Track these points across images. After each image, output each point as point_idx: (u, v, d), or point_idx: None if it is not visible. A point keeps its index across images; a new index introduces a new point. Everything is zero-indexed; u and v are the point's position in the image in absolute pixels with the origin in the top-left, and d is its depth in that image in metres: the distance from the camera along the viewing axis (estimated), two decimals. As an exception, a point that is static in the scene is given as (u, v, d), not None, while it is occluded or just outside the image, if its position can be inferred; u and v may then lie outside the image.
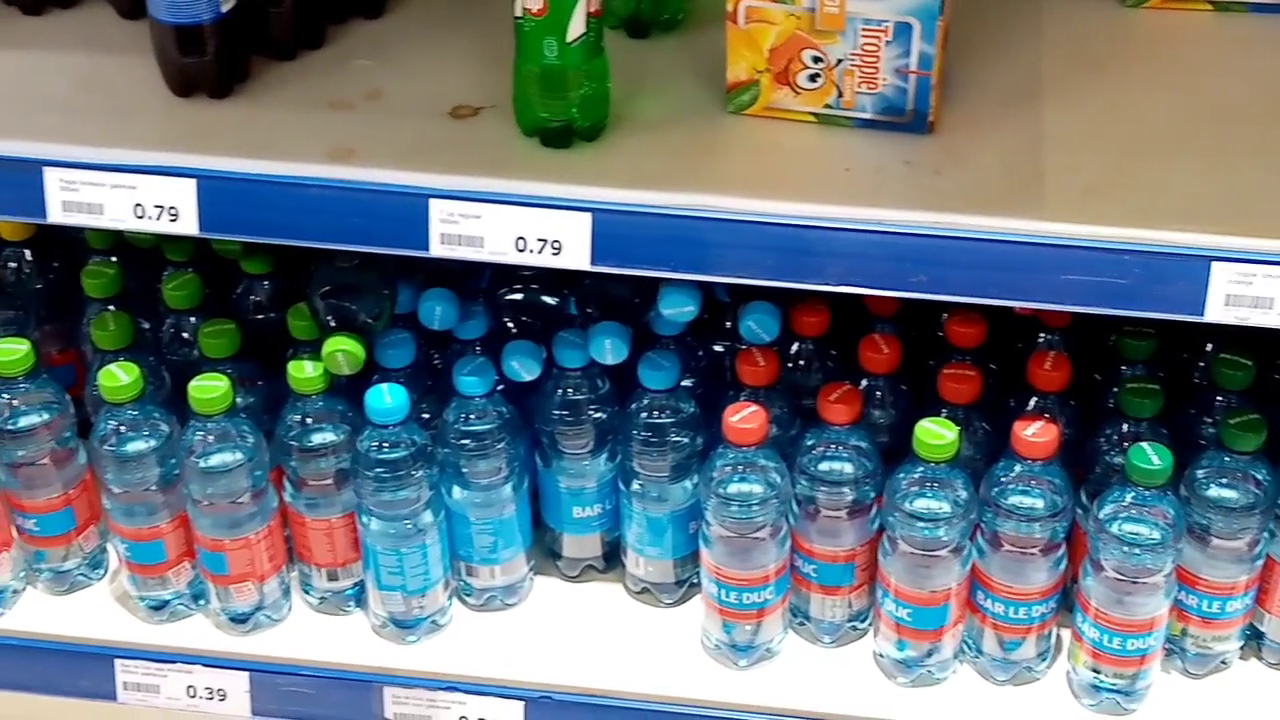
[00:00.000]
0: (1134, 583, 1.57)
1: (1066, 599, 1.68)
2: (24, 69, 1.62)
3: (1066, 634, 1.69)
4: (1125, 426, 1.65)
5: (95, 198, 1.47)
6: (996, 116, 1.53)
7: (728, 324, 1.78)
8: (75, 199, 1.47)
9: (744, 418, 1.60)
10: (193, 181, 1.46)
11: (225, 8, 1.51)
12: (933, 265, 1.37)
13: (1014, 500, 1.59)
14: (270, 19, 1.60)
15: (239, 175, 1.45)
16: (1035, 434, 1.57)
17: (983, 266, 1.36)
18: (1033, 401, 1.68)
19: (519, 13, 1.42)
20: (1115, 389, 1.68)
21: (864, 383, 1.71)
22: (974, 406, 1.67)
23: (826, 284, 1.40)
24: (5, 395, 1.70)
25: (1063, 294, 1.37)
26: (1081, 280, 1.36)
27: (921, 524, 1.59)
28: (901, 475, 1.60)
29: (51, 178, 1.47)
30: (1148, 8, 1.71)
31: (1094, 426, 1.69)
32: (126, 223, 1.47)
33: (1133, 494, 1.56)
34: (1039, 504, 1.59)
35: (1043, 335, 1.75)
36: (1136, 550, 1.55)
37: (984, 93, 1.56)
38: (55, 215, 1.48)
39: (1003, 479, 1.60)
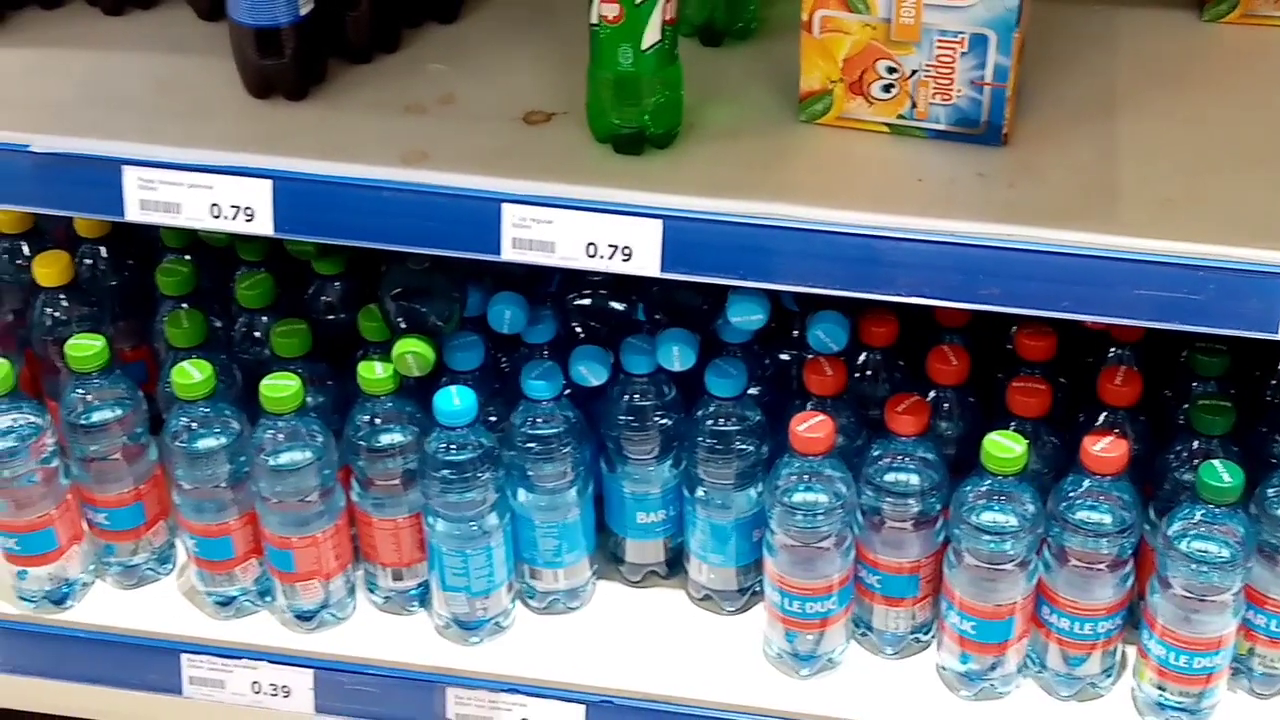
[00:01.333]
0: (1202, 600, 1.56)
1: (1133, 615, 1.67)
2: (104, 69, 1.64)
3: (1132, 651, 1.68)
4: (1196, 443, 1.64)
5: (173, 197, 1.49)
6: (1071, 129, 1.52)
7: (795, 332, 1.78)
8: (153, 198, 1.49)
9: (811, 427, 1.59)
10: (268, 182, 1.47)
11: (303, 11, 1.53)
12: (1005, 278, 1.36)
13: (1082, 515, 1.58)
14: (347, 22, 1.61)
15: (314, 177, 1.47)
16: (1105, 449, 1.56)
17: (1055, 280, 1.36)
18: (1102, 416, 1.67)
19: (594, 19, 1.43)
20: (1186, 405, 1.67)
21: (932, 394, 1.70)
22: (1043, 420, 1.66)
23: (897, 295, 1.40)
24: (80, 390, 1.72)
25: (1135, 309, 1.36)
26: (1154, 295, 1.35)
27: (988, 537, 1.58)
28: (968, 488, 1.59)
29: (130, 177, 1.49)
30: (1225, 22, 1.69)
31: (1164, 442, 1.68)
32: (203, 222, 1.49)
33: (1202, 511, 1.55)
34: (1107, 519, 1.58)
35: (1113, 349, 1.74)
36: (1205, 568, 1.54)
37: (1058, 105, 1.55)
38: (133, 214, 1.50)
39: (1071, 493, 1.59)
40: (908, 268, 1.38)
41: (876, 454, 1.65)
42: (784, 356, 1.81)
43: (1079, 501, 1.58)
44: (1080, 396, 1.72)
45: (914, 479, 1.63)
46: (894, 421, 1.62)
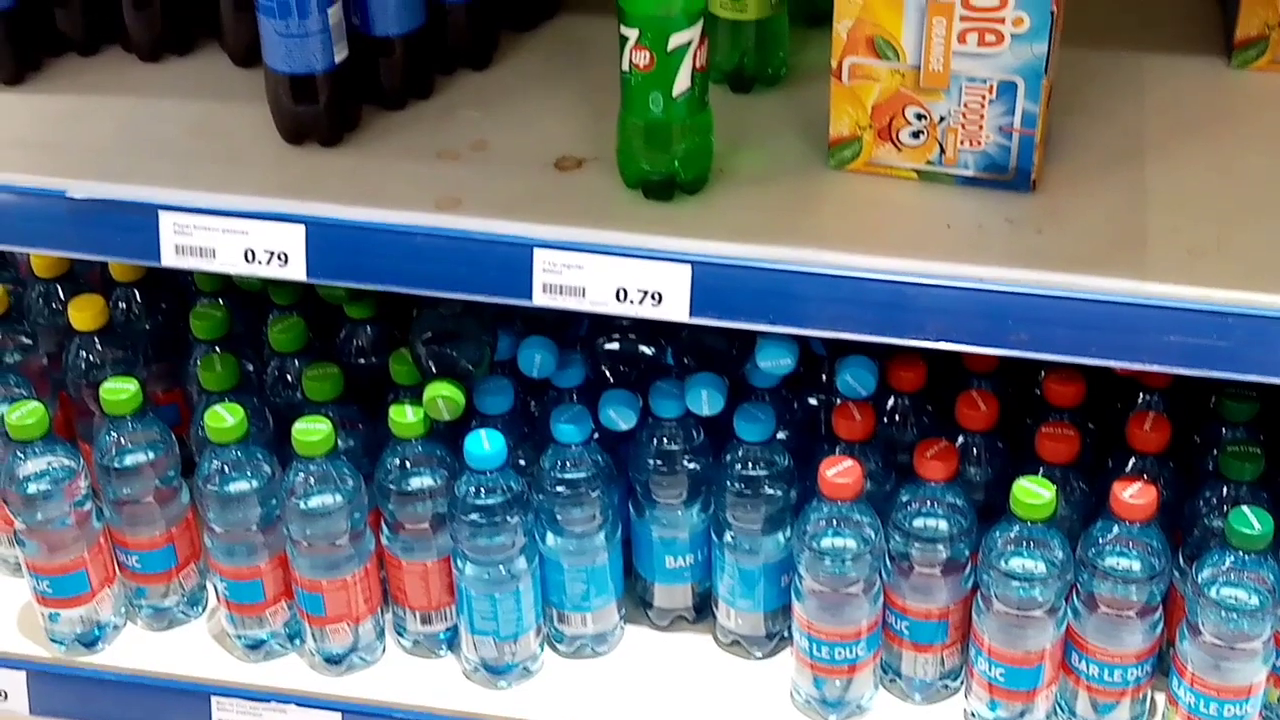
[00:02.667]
0: (1232, 648, 1.55)
1: (1162, 662, 1.66)
2: (141, 115, 1.66)
3: (1161, 698, 1.67)
4: (1225, 489, 1.64)
5: (208, 242, 1.50)
6: (1099, 175, 1.52)
7: (824, 377, 1.79)
8: (188, 243, 1.51)
9: (840, 472, 1.60)
10: (302, 228, 1.49)
11: (338, 58, 1.55)
12: (1034, 324, 1.36)
13: (1111, 562, 1.58)
14: (380, 69, 1.63)
15: (347, 222, 1.48)
16: (1134, 495, 1.55)
17: (1084, 326, 1.36)
18: (1131, 462, 1.67)
19: (626, 67, 1.44)
20: (1215, 451, 1.67)
21: (960, 439, 1.70)
22: (1072, 466, 1.66)
23: (926, 340, 1.40)
24: (113, 433, 1.74)
25: (1164, 355, 1.36)
26: (1182, 341, 1.35)
27: (1017, 583, 1.58)
28: (997, 533, 1.59)
29: (166, 222, 1.50)
30: (1254, 69, 1.70)
31: (1193, 488, 1.68)
32: (237, 267, 1.50)
33: (1232, 558, 1.55)
34: (1136, 566, 1.57)
35: (1142, 395, 1.74)
36: (1235, 615, 1.53)
37: (1087, 151, 1.56)
38: (169, 259, 1.51)
39: (1100, 540, 1.58)
40: (936, 313, 1.39)
41: (905, 499, 1.65)
42: (812, 401, 1.81)
43: (1108, 548, 1.58)
44: (1109, 442, 1.71)
45: (943, 524, 1.63)
46: (923, 467, 1.62)
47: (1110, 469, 1.68)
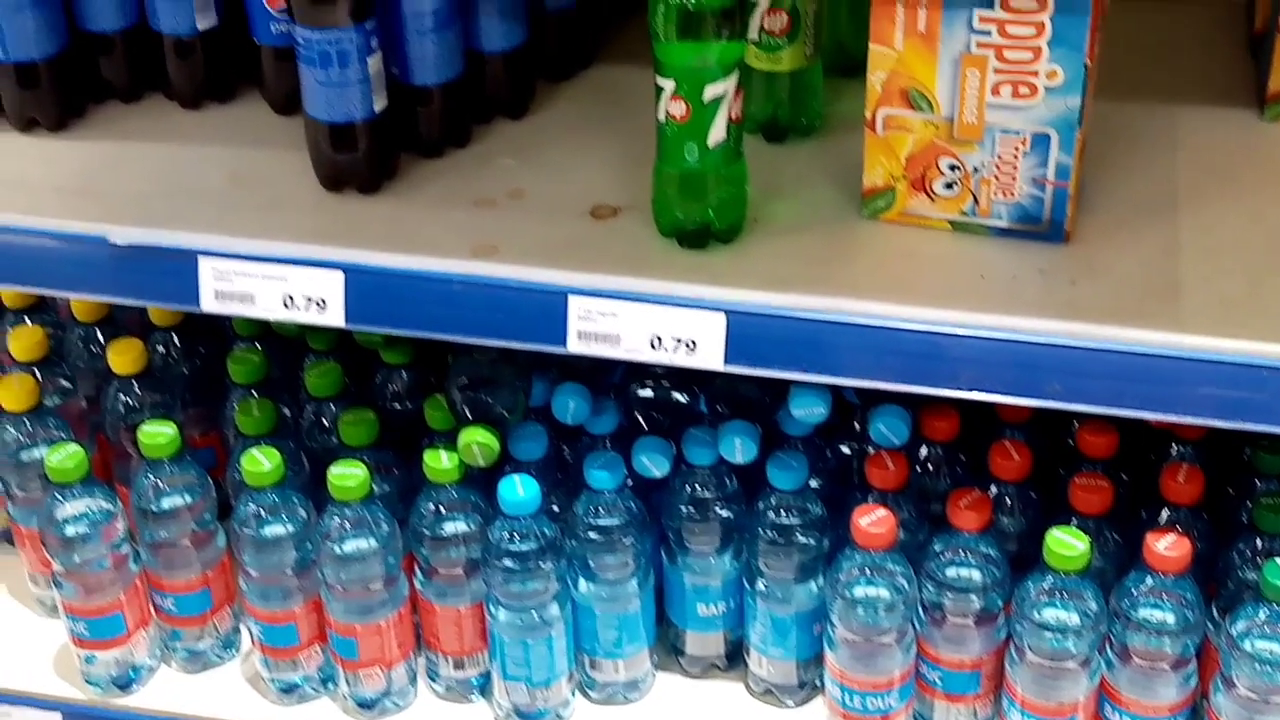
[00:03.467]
0: (1266, 701, 1.54)
1: (1196, 715, 1.65)
2: (182, 161, 1.69)
3: (1196, 751, 1.67)
4: (1259, 541, 1.63)
5: (247, 288, 1.52)
6: (1133, 227, 1.53)
7: (857, 426, 1.79)
8: (228, 289, 1.52)
9: (873, 521, 1.60)
10: (341, 274, 1.50)
11: (378, 107, 1.56)
12: (1068, 375, 1.36)
13: (1145, 613, 1.57)
14: (419, 118, 1.65)
15: (386, 270, 1.50)
16: (1168, 547, 1.55)
17: (1117, 377, 1.36)
18: (1165, 514, 1.67)
19: (662, 117, 1.46)
20: (1249, 503, 1.66)
21: (994, 489, 1.70)
22: (1105, 517, 1.66)
23: (960, 390, 1.40)
24: (150, 477, 1.75)
25: (1198, 407, 1.36)
26: (1217, 394, 1.35)
27: (1050, 634, 1.58)
28: (1031, 584, 1.59)
29: (206, 268, 1.52)
30: (1287, 121, 1.70)
31: (1227, 540, 1.67)
32: (276, 313, 1.52)
33: (1266, 611, 1.54)
34: (1170, 618, 1.57)
35: (1176, 446, 1.74)
36: (1269, 668, 1.53)
37: (1120, 203, 1.56)
38: (209, 304, 1.53)
39: (1134, 591, 1.58)
40: (970, 363, 1.39)
41: (938, 549, 1.65)
42: (845, 449, 1.81)
43: (1142, 599, 1.58)
44: (1142, 493, 1.71)
45: (976, 574, 1.63)
46: (956, 517, 1.62)
47: (1144, 520, 1.68)
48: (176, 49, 1.74)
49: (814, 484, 1.73)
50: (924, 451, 1.77)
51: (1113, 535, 1.68)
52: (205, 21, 1.73)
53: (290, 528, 1.73)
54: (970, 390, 1.40)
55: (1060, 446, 1.77)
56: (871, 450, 1.71)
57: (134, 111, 1.79)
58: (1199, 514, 1.67)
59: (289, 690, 1.82)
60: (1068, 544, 1.56)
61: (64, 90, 1.73)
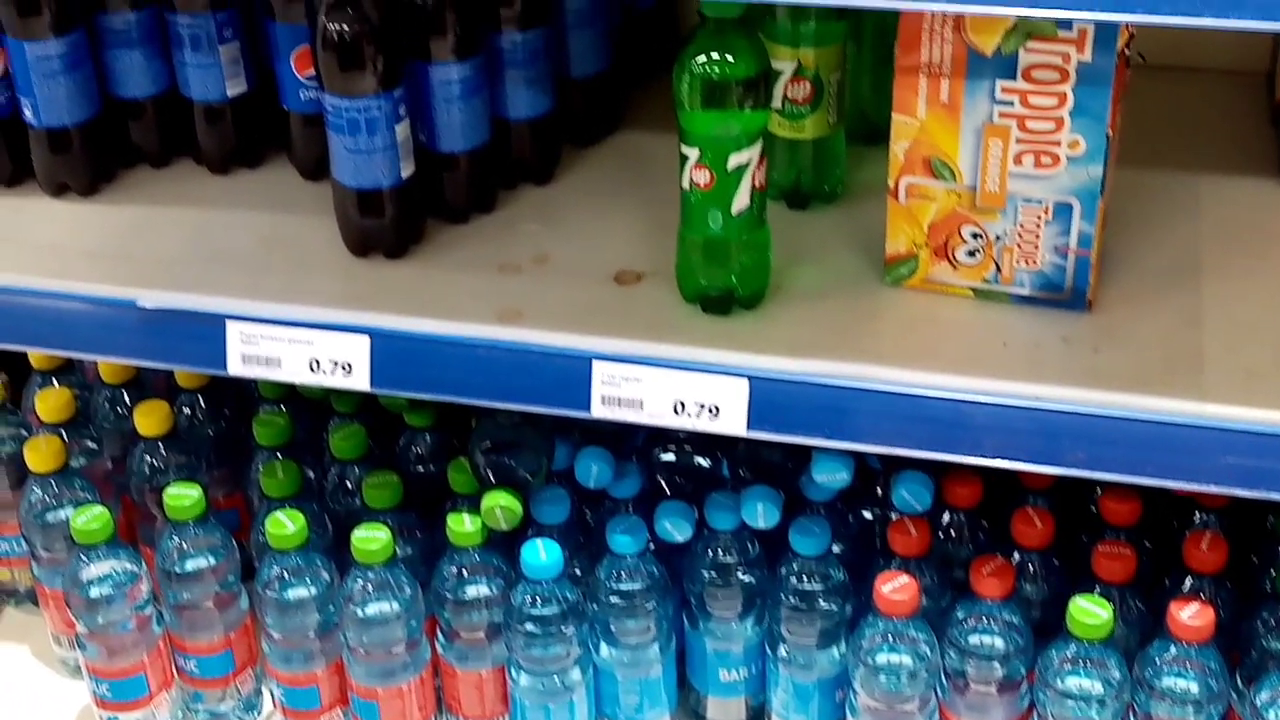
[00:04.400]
0: (1292, 772, 1.54)
1: (1221, 786, 1.65)
2: (211, 225, 1.70)
3: (1221, 822, 1.65)
4: (1283, 610, 1.63)
5: (274, 352, 1.53)
6: (1155, 295, 1.53)
7: (879, 491, 1.79)
8: (255, 352, 1.53)
9: (896, 588, 1.60)
10: (366, 339, 1.51)
11: (405, 173, 1.58)
12: (1091, 443, 1.37)
13: (1169, 682, 1.56)
14: (445, 184, 1.66)
15: (411, 334, 1.51)
16: (1192, 616, 1.54)
17: (1140, 446, 1.36)
18: (1188, 582, 1.66)
19: (686, 184, 1.47)
20: (1273, 571, 1.66)
21: (1016, 556, 1.70)
22: (1128, 585, 1.65)
23: (983, 458, 1.40)
24: (175, 538, 1.76)
25: (1221, 477, 1.36)
26: (1241, 463, 1.35)
27: (1073, 702, 1.57)
28: (1054, 652, 1.59)
29: (233, 331, 1.53)
30: (1309, 190, 1.71)
31: (1251, 609, 1.66)
32: (302, 377, 1.53)
33: (1292, 680, 1.53)
34: (1194, 687, 1.56)
35: (1199, 514, 1.74)
36: (1295, 738, 1.52)
37: (1142, 270, 1.57)
38: (235, 368, 1.54)
39: (1157, 660, 1.57)
40: (993, 431, 1.39)
41: (961, 616, 1.64)
42: (868, 515, 1.81)
43: (1165, 668, 1.57)
44: (1166, 561, 1.71)
45: (998, 642, 1.63)
46: (979, 584, 1.62)
47: (1167, 588, 1.67)
48: (206, 115, 1.76)
49: (836, 549, 1.73)
50: (947, 517, 1.76)
51: (1136, 603, 1.67)
52: (235, 88, 1.75)
53: (313, 590, 1.73)
54: (993, 458, 1.40)
55: (1083, 513, 1.77)
56: (894, 516, 1.71)
57: (163, 176, 1.81)
58: (1222, 582, 1.67)
59: (310, 753, 1.82)
60: (1091, 612, 1.55)
61: (95, 155, 1.75)
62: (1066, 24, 1.35)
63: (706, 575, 1.74)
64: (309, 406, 1.96)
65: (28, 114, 1.70)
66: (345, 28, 1.49)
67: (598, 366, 1.47)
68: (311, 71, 1.66)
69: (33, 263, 1.63)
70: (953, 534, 1.77)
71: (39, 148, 1.73)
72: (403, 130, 1.56)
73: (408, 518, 1.81)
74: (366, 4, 1.49)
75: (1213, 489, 1.37)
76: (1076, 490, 1.76)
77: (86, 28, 1.70)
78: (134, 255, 1.65)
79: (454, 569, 1.73)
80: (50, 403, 1.88)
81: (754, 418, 1.45)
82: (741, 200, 1.46)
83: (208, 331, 1.54)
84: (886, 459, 1.76)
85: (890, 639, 1.62)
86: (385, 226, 1.60)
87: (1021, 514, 1.70)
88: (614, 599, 1.72)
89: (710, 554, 1.74)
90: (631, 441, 1.84)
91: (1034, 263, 1.48)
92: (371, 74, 1.51)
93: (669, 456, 1.84)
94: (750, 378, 1.44)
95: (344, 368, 1.52)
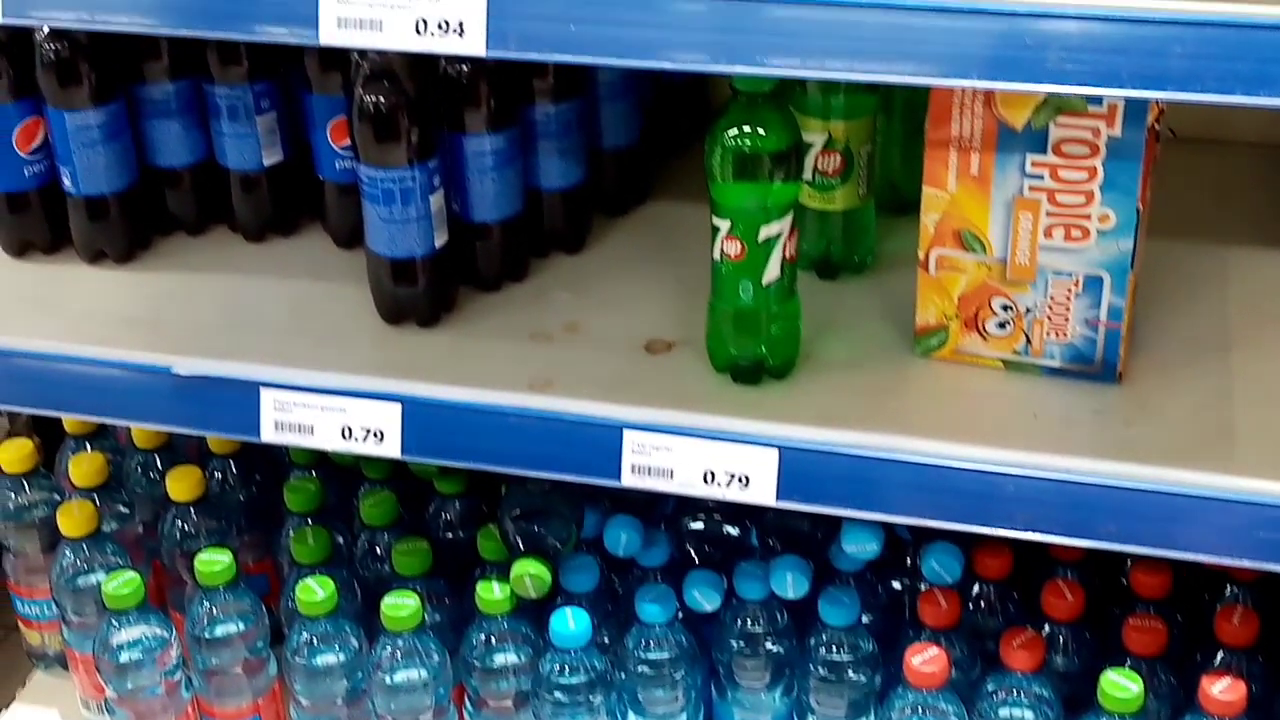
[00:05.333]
0: None
1: None
2: (245, 293, 1.72)
3: None
4: (1317, 685, 1.62)
5: (307, 419, 1.54)
6: (1185, 367, 1.53)
7: (909, 562, 1.79)
8: (288, 419, 1.54)
9: (926, 659, 1.59)
10: (398, 406, 1.52)
11: (439, 243, 1.59)
12: (1122, 516, 1.36)
13: (1200, 756, 1.55)
14: (477, 252, 1.68)
15: (443, 402, 1.52)
16: (1223, 690, 1.53)
17: (1172, 519, 1.36)
18: (1220, 656, 1.65)
19: (717, 255, 1.48)
20: (1306, 646, 1.65)
21: (1046, 629, 1.69)
22: (1159, 658, 1.64)
23: (1014, 530, 1.40)
24: (205, 604, 1.76)
25: (1253, 550, 1.35)
26: (1272, 537, 1.34)
27: (1104, 776, 1.56)
28: (1085, 725, 1.58)
29: (267, 399, 1.54)
30: (1338, 263, 1.71)
31: (1283, 683, 1.66)
32: (334, 444, 1.54)
33: (1325, 756, 1.52)
34: (1226, 761, 1.55)
35: (1230, 587, 1.73)
36: (1329, 815, 1.51)
37: (1173, 342, 1.57)
38: (268, 434, 1.55)
39: (1189, 734, 1.57)
40: (1024, 503, 1.39)
41: (991, 688, 1.64)
42: (897, 586, 1.81)
43: (1197, 742, 1.56)
44: (1197, 634, 1.70)
45: (1029, 715, 1.62)
46: (1009, 656, 1.61)
47: (1198, 662, 1.66)
48: (243, 184, 1.78)
49: (866, 620, 1.72)
50: (976, 589, 1.76)
51: (1167, 677, 1.66)
52: (271, 158, 1.78)
53: (342, 657, 1.73)
54: (1025, 530, 1.40)
55: (1114, 586, 1.76)
56: (924, 587, 1.71)
57: (199, 244, 1.83)
58: (1254, 656, 1.66)
59: (337, 820, 1.82)
60: (1122, 685, 1.54)
61: (132, 223, 1.77)
62: (1097, 100, 1.37)
63: (735, 645, 1.74)
64: (339, 473, 1.97)
65: (66, 182, 1.73)
66: (381, 100, 1.51)
67: (628, 435, 1.48)
68: (347, 142, 1.68)
69: (69, 329, 1.65)
70: (983, 605, 1.76)
71: (77, 215, 1.75)
72: (437, 200, 1.58)
73: (437, 585, 1.81)
74: (402, 76, 1.51)
75: (1244, 563, 1.37)
76: (1107, 562, 1.76)
77: (125, 98, 1.72)
78: (169, 322, 1.66)
79: (482, 636, 1.73)
80: (84, 468, 1.90)
81: (784, 488, 1.45)
82: (772, 271, 1.47)
83: (242, 398, 1.55)
84: (916, 529, 1.76)
85: (920, 710, 1.61)
86: (418, 295, 1.61)
87: (1052, 586, 1.69)
88: (642, 668, 1.72)
89: (739, 623, 1.74)
90: (661, 509, 1.84)
91: (1064, 335, 1.49)
92: (406, 146, 1.53)
93: (698, 525, 1.84)
94: (780, 448, 1.44)
95: (376, 435, 1.53)
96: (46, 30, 1.64)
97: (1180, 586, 1.70)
